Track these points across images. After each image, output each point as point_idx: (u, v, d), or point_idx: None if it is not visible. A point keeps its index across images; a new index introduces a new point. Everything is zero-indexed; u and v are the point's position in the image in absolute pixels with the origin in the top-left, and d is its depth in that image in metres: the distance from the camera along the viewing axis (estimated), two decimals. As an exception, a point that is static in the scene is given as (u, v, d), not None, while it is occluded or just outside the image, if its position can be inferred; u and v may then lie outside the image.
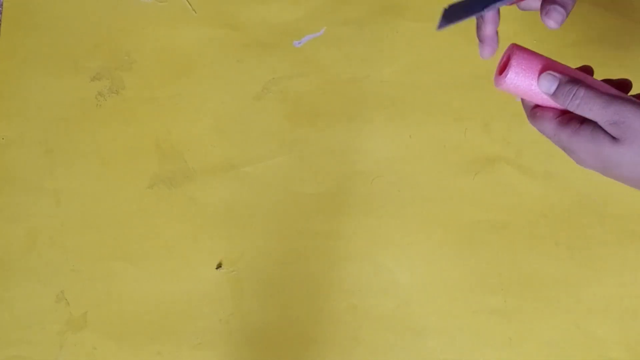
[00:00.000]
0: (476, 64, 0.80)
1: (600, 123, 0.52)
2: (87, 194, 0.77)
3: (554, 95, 0.53)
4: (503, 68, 0.55)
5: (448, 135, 0.77)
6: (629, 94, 0.56)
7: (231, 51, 0.81)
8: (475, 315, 0.72)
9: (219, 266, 0.74)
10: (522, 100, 0.57)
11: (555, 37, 0.80)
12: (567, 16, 0.55)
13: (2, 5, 0.83)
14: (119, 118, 0.79)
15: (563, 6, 0.55)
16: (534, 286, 0.73)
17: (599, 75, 0.56)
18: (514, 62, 0.54)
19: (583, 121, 0.52)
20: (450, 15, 0.58)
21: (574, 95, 0.52)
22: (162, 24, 0.82)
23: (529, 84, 0.54)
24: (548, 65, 0.54)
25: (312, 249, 0.75)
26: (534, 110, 0.56)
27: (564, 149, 0.54)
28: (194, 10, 0.83)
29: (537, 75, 0.54)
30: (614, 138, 0.51)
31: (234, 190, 0.77)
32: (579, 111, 0.52)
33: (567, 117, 0.54)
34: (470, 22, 0.67)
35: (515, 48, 0.55)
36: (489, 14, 0.57)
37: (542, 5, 0.55)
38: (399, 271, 0.74)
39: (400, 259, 0.74)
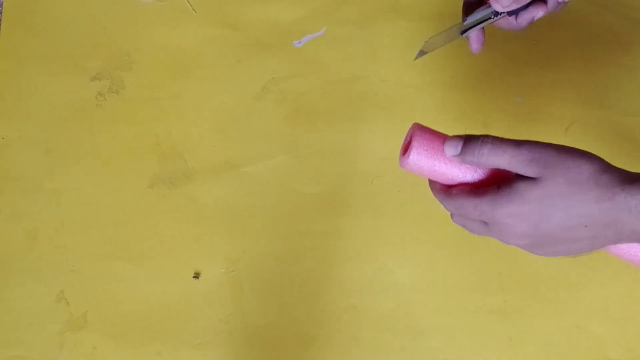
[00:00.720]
0: (476, 64, 0.80)
1: (516, 167, 0.49)
2: (87, 194, 0.77)
3: (462, 150, 0.51)
4: (406, 148, 0.54)
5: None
6: None
7: (231, 51, 0.81)
8: (475, 315, 0.72)
9: (196, 276, 0.74)
10: (432, 187, 0.55)
11: (554, 37, 0.80)
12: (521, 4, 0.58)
13: (2, 5, 0.83)
14: (119, 118, 0.79)
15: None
16: (534, 286, 0.73)
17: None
18: (415, 143, 0.52)
19: (499, 186, 0.50)
20: (427, 47, 0.61)
21: (481, 144, 0.50)
22: (162, 23, 0.82)
23: (432, 163, 0.52)
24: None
25: (312, 249, 0.75)
26: (449, 190, 0.53)
27: (491, 223, 0.51)
28: (194, 10, 0.83)
29: (440, 153, 0.52)
30: (533, 180, 0.49)
31: (234, 190, 0.77)
32: (491, 160, 0.50)
33: (483, 188, 0.51)
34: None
35: (417, 128, 0.53)
36: (472, 35, 0.61)
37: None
38: (399, 271, 0.74)
39: (400, 259, 0.74)
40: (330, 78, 0.80)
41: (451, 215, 0.55)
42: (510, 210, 0.49)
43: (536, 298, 0.73)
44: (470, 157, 0.51)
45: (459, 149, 0.51)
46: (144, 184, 0.77)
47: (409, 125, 0.78)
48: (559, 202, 0.48)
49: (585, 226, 0.49)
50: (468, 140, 0.51)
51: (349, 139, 0.78)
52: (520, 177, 0.50)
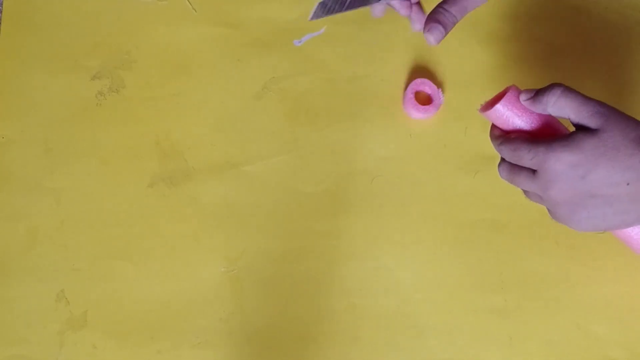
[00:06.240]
0: (476, 63, 0.80)
1: (581, 115, 0.52)
2: (87, 193, 0.77)
3: (536, 93, 0.55)
4: (494, 100, 0.59)
5: (448, 134, 0.77)
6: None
7: (231, 50, 0.81)
8: (475, 314, 0.72)
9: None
10: (492, 132, 0.60)
11: (554, 37, 0.80)
12: (445, 35, 0.60)
13: (2, 5, 0.83)
14: (119, 117, 0.79)
15: (444, 26, 0.60)
16: (534, 285, 0.73)
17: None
18: (509, 94, 0.58)
19: (556, 137, 0.54)
20: (324, 8, 0.62)
21: (554, 88, 0.54)
22: (162, 22, 0.82)
23: (513, 115, 0.57)
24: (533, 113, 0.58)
25: (312, 248, 0.75)
26: (509, 133, 0.57)
27: (540, 170, 0.54)
28: (194, 9, 0.83)
29: (523, 112, 0.57)
30: (592, 130, 0.52)
31: (234, 189, 0.77)
32: (560, 103, 0.53)
33: (541, 137, 0.55)
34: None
35: (514, 88, 0.58)
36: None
37: (426, 21, 0.61)
38: (399, 270, 0.74)
39: (401, 258, 0.74)
40: (331, 77, 0.80)
41: (499, 168, 0.59)
42: (562, 155, 0.52)
43: (536, 298, 0.73)
44: (541, 97, 0.54)
45: (532, 93, 0.55)
46: (144, 184, 0.77)
47: (409, 124, 0.78)
48: (610, 153, 0.51)
49: (628, 184, 0.51)
50: (541, 90, 0.55)
51: (349, 138, 0.78)
52: (579, 129, 0.53)
